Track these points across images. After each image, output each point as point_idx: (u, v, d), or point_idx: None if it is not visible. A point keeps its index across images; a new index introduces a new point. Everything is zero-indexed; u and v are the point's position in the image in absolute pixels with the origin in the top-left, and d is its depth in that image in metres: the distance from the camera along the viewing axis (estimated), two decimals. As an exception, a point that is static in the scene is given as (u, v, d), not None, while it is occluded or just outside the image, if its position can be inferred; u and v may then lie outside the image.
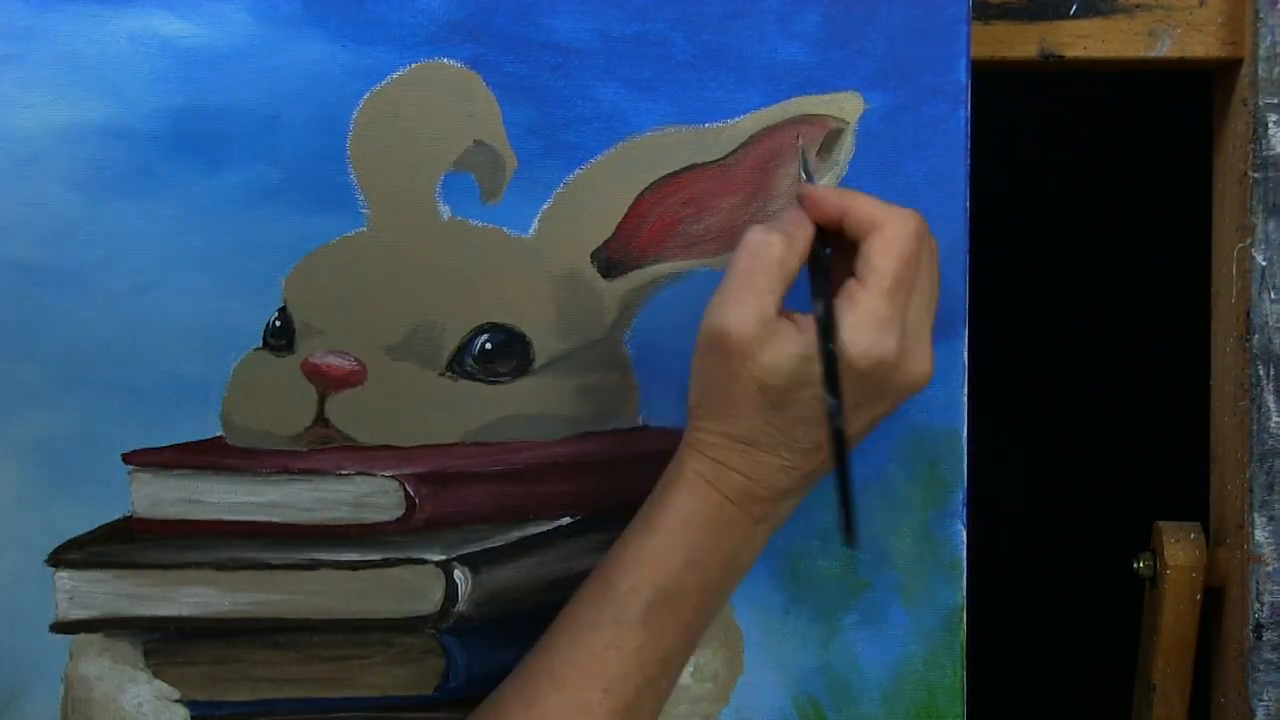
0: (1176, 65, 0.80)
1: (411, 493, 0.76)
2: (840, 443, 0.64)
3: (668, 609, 0.69)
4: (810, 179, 0.73)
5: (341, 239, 0.76)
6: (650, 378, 0.77)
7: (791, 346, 0.66)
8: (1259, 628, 0.80)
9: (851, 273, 0.68)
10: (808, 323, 0.67)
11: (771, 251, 0.67)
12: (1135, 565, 0.83)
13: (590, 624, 0.69)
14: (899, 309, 0.67)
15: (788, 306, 0.68)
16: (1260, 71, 0.78)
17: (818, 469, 0.70)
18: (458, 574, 0.75)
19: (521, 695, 0.69)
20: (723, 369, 0.67)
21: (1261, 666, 0.80)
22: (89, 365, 0.76)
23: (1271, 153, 0.78)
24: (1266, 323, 0.79)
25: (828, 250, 0.69)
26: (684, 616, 0.69)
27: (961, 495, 0.78)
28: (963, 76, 0.75)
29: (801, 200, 0.70)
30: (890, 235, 0.68)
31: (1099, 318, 1.34)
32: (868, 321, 0.66)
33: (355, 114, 0.75)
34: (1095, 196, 1.32)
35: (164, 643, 0.77)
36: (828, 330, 0.66)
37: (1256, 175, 0.78)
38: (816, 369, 0.66)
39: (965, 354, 0.77)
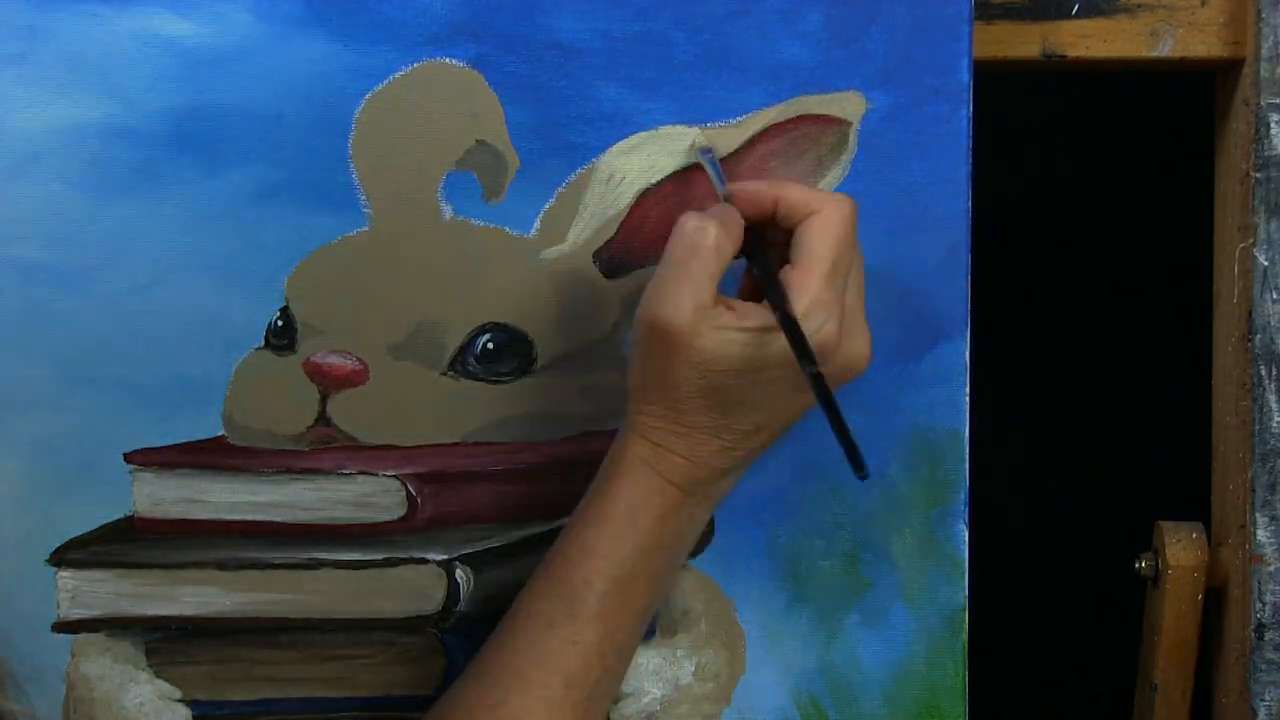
0: (1178, 65, 0.80)
1: (413, 492, 0.76)
2: (825, 395, 0.65)
3: (620, 598, 0.69)
4: (723, 186, 0.72)
5: (343, 238, 0.76)
6: (652, 377, 0.77)
7: (729, 333, 0.67)
8: (1261, 628, 0.80)
9: (785, 260, 0.69)
10: (745, 309, 0.68)
11: (707, 239, 0.68)
12: (1137, 565, 0.83)
13: (548, 622, 0.69)
14: (837, 292, 0.68)
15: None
16: (1262, 71, 0.78)
17: (756, 449, 0.70)
18: (460, 574, 0.75)
19: (486, 698, 0.69)
20: (662, 355, 0.68)
21: (1263, 666, 0.80)
22: (90, 365, 0.76)
23: (1273, 153, 0.78)
24: (1268, 323, 0.79)
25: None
26: (636, 602, 0.70)
27: (963, 495, 0.78)
28: (965, 76, 0.75)
29: (733, 198, 0.71)
30: (826, 220, 0.68)
31: (1100, 318, 1.34)
32: (808, 305, 0.67)
33: (357, 113, 0.75)
34: (1097, 196, 1.32)
35: (166, 642, 0.77)
36: (782, 304, 0.66)
37: (1258, 175, 0.78)
38: (753, 353, 0.67)
39: (966, 354, 0.77)
